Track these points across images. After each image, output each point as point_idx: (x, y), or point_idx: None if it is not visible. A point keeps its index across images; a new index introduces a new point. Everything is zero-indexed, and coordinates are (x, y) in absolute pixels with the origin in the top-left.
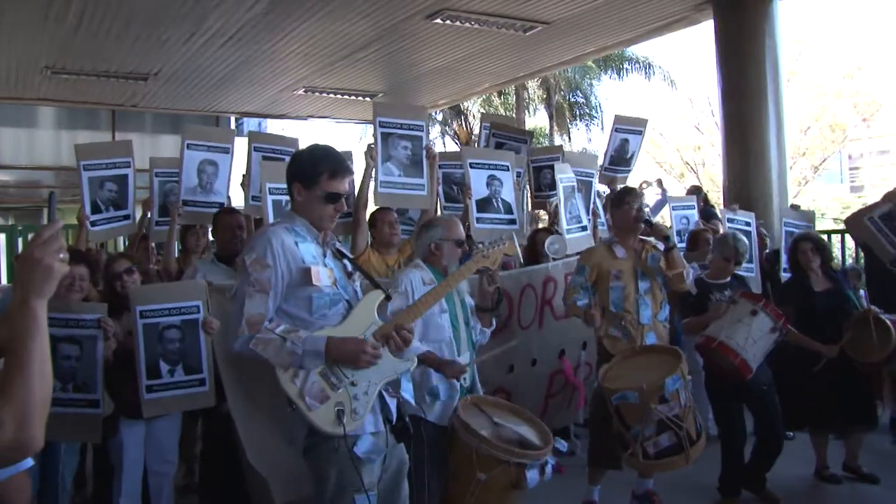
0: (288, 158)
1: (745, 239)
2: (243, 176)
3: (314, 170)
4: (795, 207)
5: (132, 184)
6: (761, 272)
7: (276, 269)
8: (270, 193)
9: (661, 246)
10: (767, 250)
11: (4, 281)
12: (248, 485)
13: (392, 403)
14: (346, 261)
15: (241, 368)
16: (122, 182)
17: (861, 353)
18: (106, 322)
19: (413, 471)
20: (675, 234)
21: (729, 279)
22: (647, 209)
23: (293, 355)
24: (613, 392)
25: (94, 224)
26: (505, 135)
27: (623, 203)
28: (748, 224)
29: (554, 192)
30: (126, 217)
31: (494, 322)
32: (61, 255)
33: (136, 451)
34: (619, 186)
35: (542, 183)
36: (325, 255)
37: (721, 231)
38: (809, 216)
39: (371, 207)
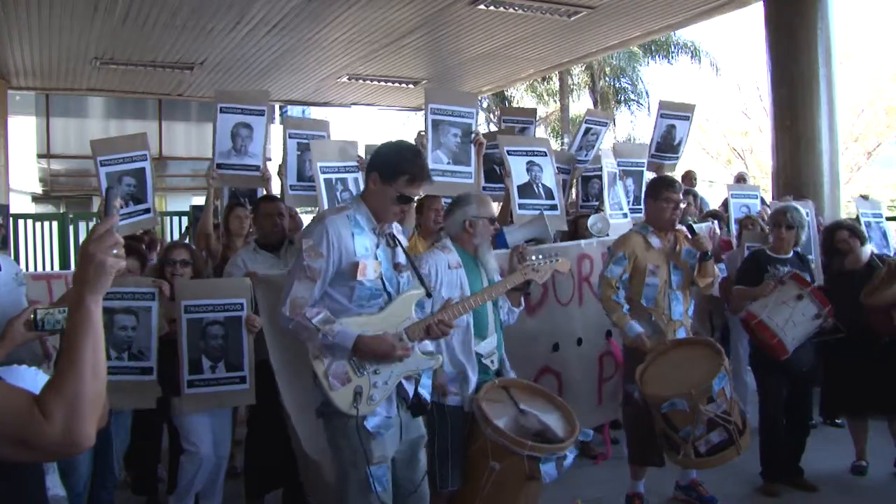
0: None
1: (799, 208)
2: (280, 166)
3: (397, 168)
4: (865, 197)
5: (150, 176)
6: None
7: (328, 259)
8: (322, 172)
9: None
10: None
11: (57, 268)
12: (300, 468)
13: (409, 386)
14: (399, 249)
15: (291, 353)
16: (141, 175)
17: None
18: (160, 283)
19: (437, 454)
20: (734, 222)
21: (791, 255)
22: (691, 220)
23: (323, 346)
24: (662, 400)
25: None
26: (594, 120)
27: (659, 197)
28: (806, 214)
29: (597, 203)
30: (147, 210)
31: (524, 302)
32: (116, 251)
33: (206, 431)
34: (668, 174)
35: (589, 193)
36: (377, 246)
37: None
38: (877, 204)
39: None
